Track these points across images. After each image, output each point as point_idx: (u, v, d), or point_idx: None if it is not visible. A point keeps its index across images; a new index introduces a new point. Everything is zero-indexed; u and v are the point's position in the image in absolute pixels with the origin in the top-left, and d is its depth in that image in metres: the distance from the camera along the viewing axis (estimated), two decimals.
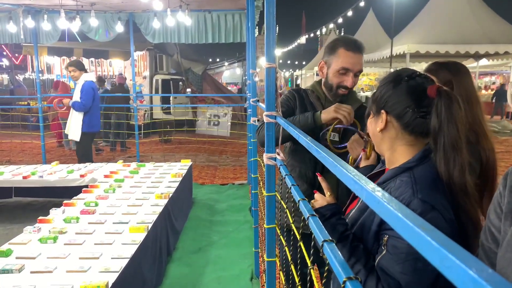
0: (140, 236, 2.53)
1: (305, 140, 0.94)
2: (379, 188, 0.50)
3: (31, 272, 2.04)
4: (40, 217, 2.86)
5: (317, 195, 1.23)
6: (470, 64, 17.43)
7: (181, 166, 4.73)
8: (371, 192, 0.49)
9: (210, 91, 14.13)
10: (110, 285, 1.90)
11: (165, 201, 3.34)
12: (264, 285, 2.88)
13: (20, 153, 8.70)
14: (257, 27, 5.24)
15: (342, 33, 30.73)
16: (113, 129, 8.78)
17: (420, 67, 21.06)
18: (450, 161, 1.03)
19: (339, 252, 0.68)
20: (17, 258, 2.21)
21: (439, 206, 0.98)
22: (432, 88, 1.05)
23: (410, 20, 13.44)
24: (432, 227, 0.36)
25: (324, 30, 27.20)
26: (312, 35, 28.74)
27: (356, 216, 1.13)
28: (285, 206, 1.56)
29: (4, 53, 22.59)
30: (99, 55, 12.22)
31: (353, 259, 1.03)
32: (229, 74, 29.72)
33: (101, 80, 9.82)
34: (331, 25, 25.48)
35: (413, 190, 1.01)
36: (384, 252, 0.99)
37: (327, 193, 1.21)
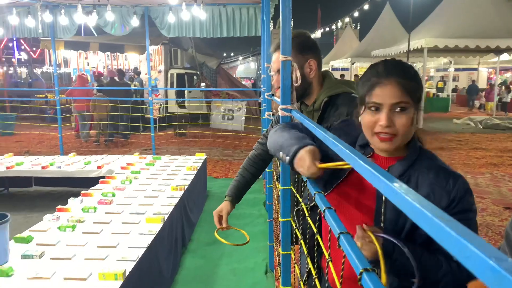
0: (157, 227, 2.57)
1: (321, 134, 0.94)
2: (397, 180, 0.51)
3: (51, 259, 2.10)
4: (59, 206, 2.93)
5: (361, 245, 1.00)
6: (490, 59, 17.09)
7: (196, 160, 4.78)
8: (389, 184, 0.50)
9: (225, 85, 14.16)
10: (127, 273, 1.94)
11: (181, 193, 3.38)
12: (279, 279, 2.90)
13: (38, 144, 8.89)
14: (271, 21, 5.23)
15: (358, 27, 30.35)
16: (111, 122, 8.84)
17: (438, 62, 20.69)
18: None
19: (352, 246, 0.69)
20: (37, 244, 2.28)
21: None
22: None
23: (428, 14, 13.19)
24: (451, 218, 0.37)
25: (339, 24, 26.91)
26: (327, 29, 28.48)
27: (394, 218, 1.08)
28: (300, 200, 1.57)
29: (23, 47, 23.00)
30: (115, 49, 12.35)
31: (431, 267, 1.01)
32: (244, 68, 29.73)
33: (121, 73, 9.86)
34: (347, 19, 25.22)
35: (450, 169, 1.10)
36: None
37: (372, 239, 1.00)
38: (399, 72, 1.07)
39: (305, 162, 1.04)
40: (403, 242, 0.97)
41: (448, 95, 19.97)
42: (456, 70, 23.30)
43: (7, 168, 4.42)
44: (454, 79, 23.85)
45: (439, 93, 20.54)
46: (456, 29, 11.08)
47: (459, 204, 1.04)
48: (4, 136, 9.71)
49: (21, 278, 1.91)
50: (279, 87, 1.68)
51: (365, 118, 1.08)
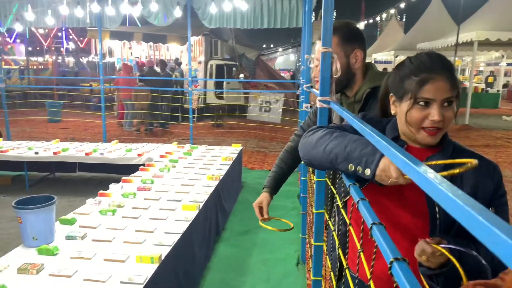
0: (192, 214, 2.63)
1: (360, 126, 0.92)
2: (431, 170, 0.49)
3: (93, 240, 2.21)
4: (101, 191, 3.06)
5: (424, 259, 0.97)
6: None
7: (232, 150, 4.83)
8: (423, 174, 0.49)
9: (263, 77, 14.14)
10: (163, 257, 2.01)
11: (216, 182, 3.44)
12: (310, 270, 2.89)
13: (83, 131, 9.29)
14: (313, 12, 5.16)
15: (404, 19, 29.31)
16: (160, 111, 9.02)
17: (489, 56, 19.61)
18: None
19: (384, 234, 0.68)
20: (80, 226, 2.40)
21: None
22: None
23: (481, 4, 12.43)
24: (482, 206, 0.36)
25: (384, 15, 26.08)
26: (371, 20, 27.67)
27: (446, 215, 1.05)
28: (335, 192, 1.55)
29: (71, 36, 23.98)
30: (157, 40, 12.63)
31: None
32: (283, 60, 29.54)
33: (163, 63, 10.07)
34: (392, 11, 24.40)
35: (484, 157, 1.12)
36: None
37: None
38: (447, 67, 1.07)
39: (392, 175, 0.89)
40: (466, 244, 0.96)
41: (498, 91, 18.94)
42: (508, 64, 22.00)
43: (54, 153, 4.66)
44: (506, 74, 22.55)
45: (488, 88, 19.51)
46: (510, 21, 10.40)
47: (499, 189, 1.12)
48: (52, 123, 10.21)
49: (65, 257, 2.02)
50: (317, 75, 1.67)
51: (414, 113, 1.07)
